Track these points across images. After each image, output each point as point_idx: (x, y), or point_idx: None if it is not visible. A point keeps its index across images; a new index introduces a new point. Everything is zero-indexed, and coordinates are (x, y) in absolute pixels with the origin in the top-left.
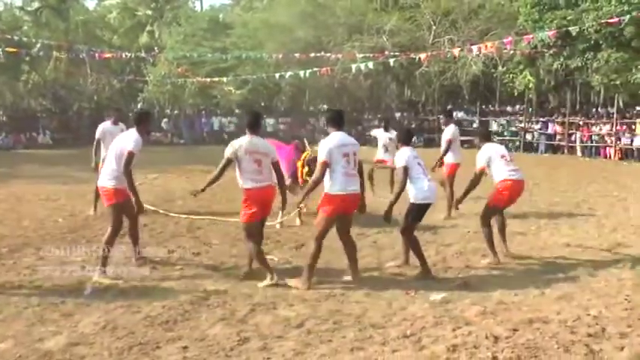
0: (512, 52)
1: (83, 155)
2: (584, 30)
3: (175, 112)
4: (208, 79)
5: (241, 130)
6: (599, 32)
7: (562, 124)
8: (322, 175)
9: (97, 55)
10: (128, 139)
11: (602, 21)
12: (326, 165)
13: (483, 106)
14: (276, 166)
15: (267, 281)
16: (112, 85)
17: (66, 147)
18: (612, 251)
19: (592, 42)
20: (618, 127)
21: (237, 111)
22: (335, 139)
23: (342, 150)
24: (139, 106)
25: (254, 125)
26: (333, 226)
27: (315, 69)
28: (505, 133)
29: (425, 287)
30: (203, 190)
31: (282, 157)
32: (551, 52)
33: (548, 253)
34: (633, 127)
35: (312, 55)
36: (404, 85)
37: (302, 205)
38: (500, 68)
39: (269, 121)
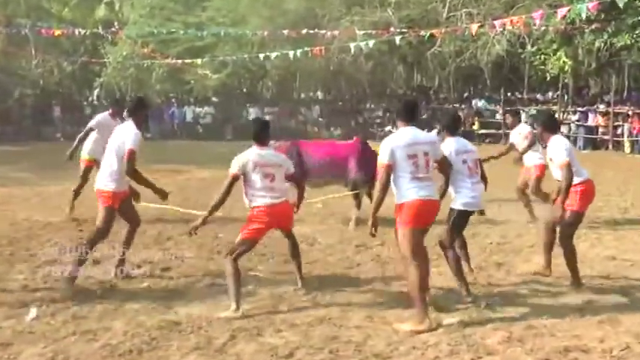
0: (543, 28)
1: (27, 152)
2: (634, 0)
3: None
4: (180, 61)
5: (219, 122)
6: None
7: (605, 114)
8: (386, 180)
9: (43, 31)
10: (126, 135)
11: None
12: (389, 168)
13: (509, 94)
14: (291, 178)
15: (228, 312)
16: (62, 69)
17: (6, 142)
18: None
19: None
20: None
21: (214, 99)
22: (401, 136)
23: (408, 150)
24: (95, 93)
25: (261, 135)
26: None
27: (307, 49)
28: (536, 126)
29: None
30: (204, 223)
31: (350, 156)
32: (592, 27)
33: (588, 268)
34: None
35: (304, 31)
36: (413, 68)
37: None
38: (529, 48)
39: (252, 111)
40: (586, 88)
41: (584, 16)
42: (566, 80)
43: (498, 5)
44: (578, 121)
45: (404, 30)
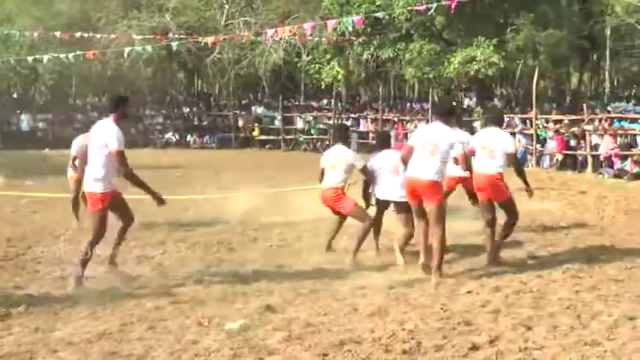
0: (317, 39)
1: None
2: (394, 18)
3: None
4: None
5: None
6: (410, 20)
7: (375, 120)
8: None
9: None
10: (107, 135)
11: (411, 8)
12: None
13: (286, 101)
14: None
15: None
16: None
17: None
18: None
19: (403, 31)
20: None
21: None
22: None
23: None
24: None
25: (341, 137)
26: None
27: (80, 52)
28: (312, 132)
29: (221, 314)
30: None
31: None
32: (360, 40)
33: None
34: None
35: (78, 34)
36: (193, 75)
37: None
38: (304, 57)
39: (24, 118)
40: (357, 97)
41: (350, 29)
42: (339, 89)
43: (274, 15)
44: (351, 126)
45: (182, 36)
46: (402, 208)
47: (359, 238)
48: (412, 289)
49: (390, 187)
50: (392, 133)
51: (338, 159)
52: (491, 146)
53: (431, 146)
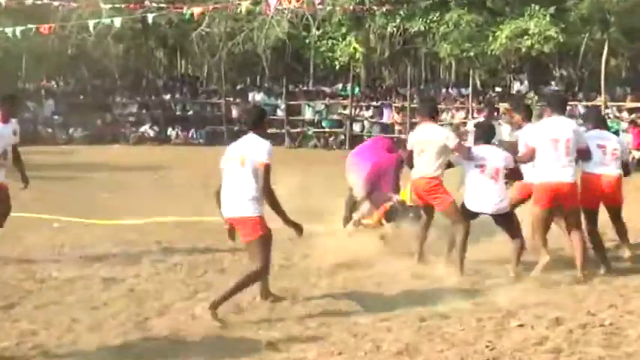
0: (329, 8)
1: None
2: None
3: None
4: None
5: None
6: None
7: (402, 109)
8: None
9: None
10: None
11: None
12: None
13: (291, 85)
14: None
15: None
16: None
17: None
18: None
19: None
20: (476, 114)
21: None
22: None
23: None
24: None
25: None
26: None
27: (32, 26)
28: (324, 124)
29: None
30: None
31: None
32: (383, 10)
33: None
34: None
35: (29, 1)
36: (175, 53)
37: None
38: (314, 31)
39: None
40: (380, 80)
41: None
42: (357, 70)
43: None
44: (372, 117)
45: (162, 5)
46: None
47: (460, 248)
48: (448, 320)
49: (484, 196)
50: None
51: (426, 142)
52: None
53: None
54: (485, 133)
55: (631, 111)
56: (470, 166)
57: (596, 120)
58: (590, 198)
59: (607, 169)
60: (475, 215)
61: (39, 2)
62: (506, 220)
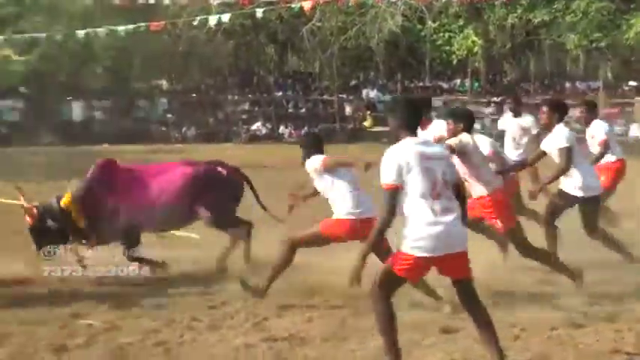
0: None
1: None
2: None
3: None
4: None
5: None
6: None
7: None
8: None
9: None
10: None
11: None
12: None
13: (407, 81)
14: None
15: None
16: None
17: None
18: None
19: None
20: (606, 111)
21: (22, 89)
22: None
23: None
24: None
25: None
26: None
27: (143, 24)
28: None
29: None
30: None
31: None
32: (503, 0)
33: None
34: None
35: (141, 0)
36: (286, 49)
37: None
38: (429, 24)
39: (76, 106)
40: (501, 74)
41: None
42: (476, 64)
43: None
44: (493, 114)
45: (271, 0)
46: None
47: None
48: (582, 330)
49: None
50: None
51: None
52: None
53: None
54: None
55: None
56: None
57: None
58: None
59: None
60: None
61: (152, 1)
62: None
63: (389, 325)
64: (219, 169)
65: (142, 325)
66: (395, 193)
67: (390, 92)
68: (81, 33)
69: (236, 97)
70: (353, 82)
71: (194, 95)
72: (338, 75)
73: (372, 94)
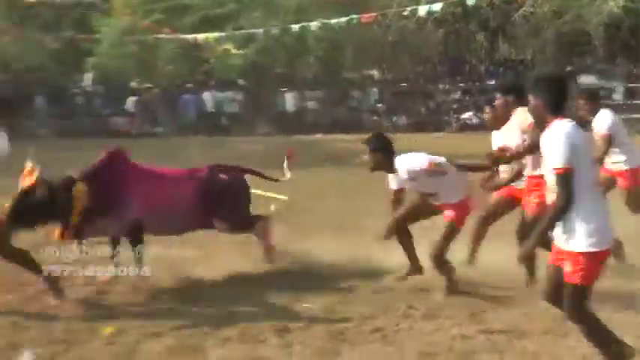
0: None
1: None
2: None
3: (145, 86)
4: (195, 36)
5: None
6: None
7: None
8: None
9: None
10: None
11: None
12: None
13: (632, 66)
14: None
15: None
16: (42, 47)
17: None
18: None
19: None
20: None
21: (240, 82)
22: None
23: None
24: (85, 78)
25: None
26: None
27: (356, 16)
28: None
29: None
30: None
31: None
32: None
33: None
34: None
35: None
36: (497, 36)
37: None
38: None
39: (289, 96)
40: None
41: None
42: None
43: None
44: None
45: None
46: None
47: None
48: None
49: None
50: None
51: None
52: None
53: None
54: None
55: None
56: None
57: None
58: None
59: None
60: None
61: None
62: None
63: (605, 335)
64: (221, 175)
65: (359, 311)
66: (571, 177)
67: (610, 77)
68: (295, 27)
69: (447, 86)
70: (569, 68)
71: (404, 84)
72: (553, 61)
73: (589, 80)
